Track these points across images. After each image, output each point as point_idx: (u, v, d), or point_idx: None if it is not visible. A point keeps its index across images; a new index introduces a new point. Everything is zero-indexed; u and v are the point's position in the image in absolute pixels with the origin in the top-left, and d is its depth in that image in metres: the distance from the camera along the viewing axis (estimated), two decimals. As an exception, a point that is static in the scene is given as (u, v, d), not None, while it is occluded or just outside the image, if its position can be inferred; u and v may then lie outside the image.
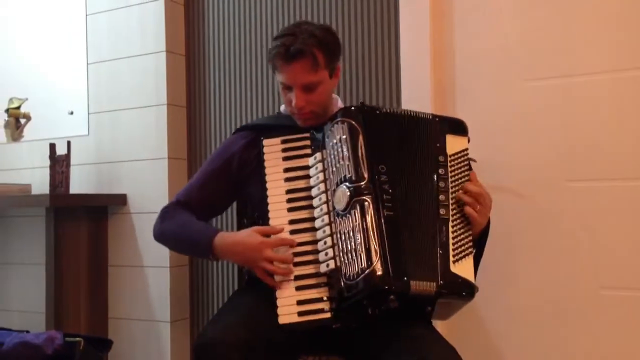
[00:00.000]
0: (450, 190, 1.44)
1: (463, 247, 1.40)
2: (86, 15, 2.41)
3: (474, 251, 1.44)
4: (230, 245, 1.48)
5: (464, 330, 1.91)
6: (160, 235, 1.64)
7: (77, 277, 2.24)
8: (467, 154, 1.51)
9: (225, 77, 2.28)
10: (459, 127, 1.54)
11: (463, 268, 1.38)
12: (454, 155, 1.49)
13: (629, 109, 1.72)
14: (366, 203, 1.35)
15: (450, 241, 1.39)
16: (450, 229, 1.40)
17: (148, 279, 2.26)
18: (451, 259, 1.37)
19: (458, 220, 1.43)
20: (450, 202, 1.43)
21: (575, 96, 1.78)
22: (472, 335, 1.90)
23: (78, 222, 2.25)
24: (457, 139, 1.51)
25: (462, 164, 1.49)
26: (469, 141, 1.54)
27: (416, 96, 1.91)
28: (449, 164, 1.47)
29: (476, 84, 1.92)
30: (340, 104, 1.67)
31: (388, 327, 1.37)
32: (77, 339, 1.85)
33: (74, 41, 2.44)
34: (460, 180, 1.47)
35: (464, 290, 1.37)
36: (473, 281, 1.38)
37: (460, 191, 1.45)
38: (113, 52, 2.35)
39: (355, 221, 1.34)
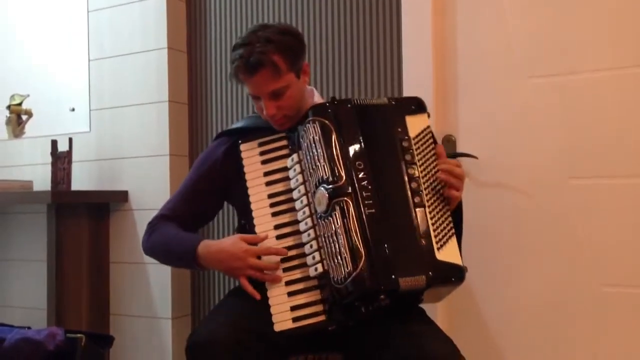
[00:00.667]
0: (421, 175, 1.41)
1: (444, 231, 1.38)
2: (88, 11, 2.41)
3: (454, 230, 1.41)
4: (214, 253, 1.46)
5: (465, 328, 1.91)
6: (150, 249, 1.62)
7: (78, 273, 2.24)
8: (429, 132, 1.48)
9: (226, 74, 2.28)
10: (416, 106, 1.50)
11: (448, 252, 1.36)
12: (416, 137, 1.45)
13: (632, 106, 1.72)
14: (346, 204, 1.33)
15: (431, 228, 1.37)
16: (429, 216, 1.38)
17: (149, 275, 2.26)
18: (435, 246, 1.35)
19: (435, 204, 1.40)
20: (423, 187, 1.40)
21: (578, 94, 1.78)
22: (473, 333, 1.90)
23: (79, 218, 2.25)
24: (416, 118, 1.47)
25: (427, 143, 1.46)
26: (429, 116, 1.50)
27: (418, 94, 1.88)
28: (414, 148, 1.43)
29: (478, 82, 1.92)
30: (317, 96, 1.62)
31: (385, 323, 1.37)
32: (79, 335, 1.85)
33: (76, 38, 2.44)
34: (428, 162, 1.43)
35: (453, 276, 1.36)
36: (460, 263, 1.37)
37: (440, 173, 1.41)
38: (115, 48, 2.35)
39: (337, 223, 1.33)
